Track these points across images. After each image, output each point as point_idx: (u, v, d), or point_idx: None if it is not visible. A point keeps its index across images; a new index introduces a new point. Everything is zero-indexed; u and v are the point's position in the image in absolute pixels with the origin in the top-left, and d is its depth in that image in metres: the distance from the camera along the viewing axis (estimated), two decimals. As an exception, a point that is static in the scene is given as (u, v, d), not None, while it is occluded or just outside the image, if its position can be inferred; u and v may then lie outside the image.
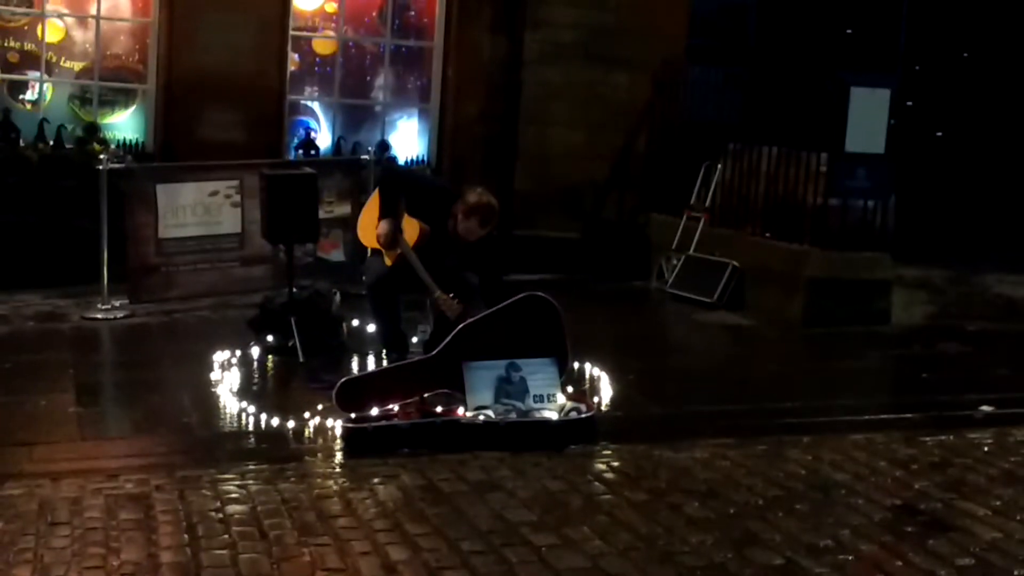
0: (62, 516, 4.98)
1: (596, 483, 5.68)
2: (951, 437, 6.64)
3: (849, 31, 13.72)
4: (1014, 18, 14.99)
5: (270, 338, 7.86)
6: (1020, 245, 13.10)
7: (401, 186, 7.43)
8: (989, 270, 12.07)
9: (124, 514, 5.02)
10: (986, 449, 6.46)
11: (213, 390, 6.95)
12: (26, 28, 10.61)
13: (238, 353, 7.61)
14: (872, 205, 9.84)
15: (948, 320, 10.17)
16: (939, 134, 15.09)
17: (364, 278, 7.51)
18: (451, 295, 7.00)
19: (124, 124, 10.90)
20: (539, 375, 6.46)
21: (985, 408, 7.26)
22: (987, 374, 8.33)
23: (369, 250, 7.42)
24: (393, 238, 7.18)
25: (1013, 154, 14.61)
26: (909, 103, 13.78)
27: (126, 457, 5.85)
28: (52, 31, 10.68)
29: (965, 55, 15.06)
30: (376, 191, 7.45)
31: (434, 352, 6.62)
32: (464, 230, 7.16)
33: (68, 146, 10.43)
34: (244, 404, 6.61)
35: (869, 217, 9.84)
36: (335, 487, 5.50)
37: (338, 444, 6.09)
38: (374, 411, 6.21)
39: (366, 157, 10.41)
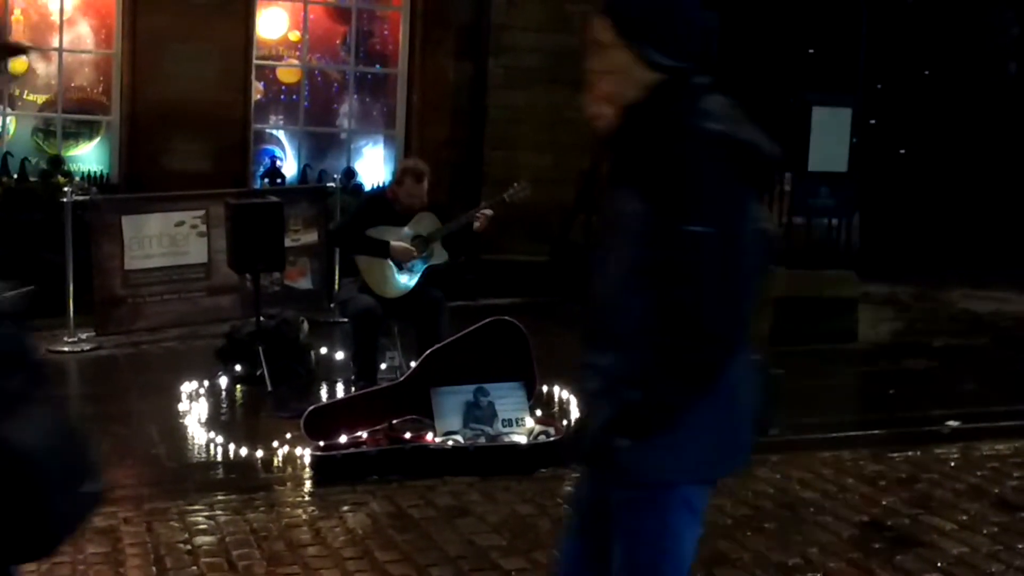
0: (28, 551, 4.93)
1: (566, 506, 5.68)
2: (918, 453, 6.69)
3: (811, 51, 13.82)
4: (973, 36, 15.17)
5: (238, 368, 7.84)
6: (984, 260, 13.21)
7: (353, 227, 7.41)
8: (954, 286, 12.17)
9: (91, 547, 4.99)
10: (952, 464, 6.51)
11: (181, 421, 6.92)
12: (-12, 61, 10.58)
13: (206, 383, 7.58)
14: (836, 223, 9.90)
15: (914, 336, 10.24)
16: (902, 151, 15.21)
17: (347, 306, 7.39)
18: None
19: (88, 156, 10.89)
20: (507, 399, 6.46)
21: (951, 423, 7.32)
22: (953, 389, 8.39)
23: (357, 279, 7.35)
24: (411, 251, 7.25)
25: (975, 170, 14.75)
26: (872, 121, 13.88)
27: (93, 490, 5.81)
28: (14, 64, 10.64)
29: (926, 73, 15.20)
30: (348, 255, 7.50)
31: (402, 378, 6.62)
32: (406, 195, 7.28)
33: (32, 179, 10.39)
34: (212, 434, 6.59)
35: (834, 235, 9.90)
36: (304, 516, 5.49)
37: (307, 472, 6.08)
38: (343, 439, 6.20)
39: (332, 185, 10.42)
